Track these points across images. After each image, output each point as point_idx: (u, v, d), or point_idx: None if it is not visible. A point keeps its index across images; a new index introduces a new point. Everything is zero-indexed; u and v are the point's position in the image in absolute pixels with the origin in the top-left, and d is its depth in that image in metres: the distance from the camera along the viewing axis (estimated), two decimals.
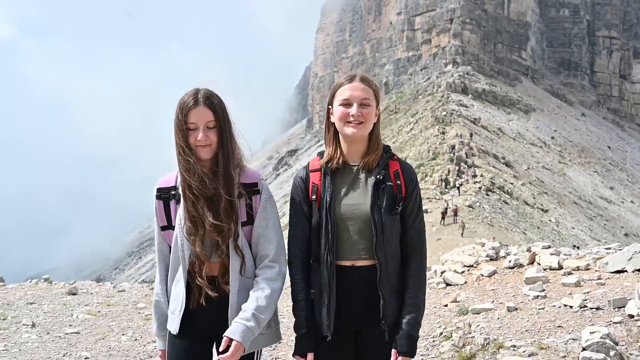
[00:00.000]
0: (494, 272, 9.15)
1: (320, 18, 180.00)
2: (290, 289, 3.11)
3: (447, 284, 9.32)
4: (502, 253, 10.24)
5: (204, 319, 2.97)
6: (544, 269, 8.59)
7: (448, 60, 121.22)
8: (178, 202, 3.01)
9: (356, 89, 2.95)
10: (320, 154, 3.10)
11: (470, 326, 6.57)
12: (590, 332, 5.41)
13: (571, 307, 6.64)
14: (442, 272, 9.93)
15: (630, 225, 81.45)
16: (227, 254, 2.93)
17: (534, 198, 68.92)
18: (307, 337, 2.97)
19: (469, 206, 50.36)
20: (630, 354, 5.10)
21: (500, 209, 55.23)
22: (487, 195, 57.32)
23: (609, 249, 9.85)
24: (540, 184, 79.64)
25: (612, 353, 5.05)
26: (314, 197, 2.99)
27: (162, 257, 3.12)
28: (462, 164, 66.33)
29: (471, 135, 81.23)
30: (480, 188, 58.07)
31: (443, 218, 43.58)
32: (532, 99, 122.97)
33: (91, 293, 14.02)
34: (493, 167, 72.19)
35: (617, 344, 5.31)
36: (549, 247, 9.85)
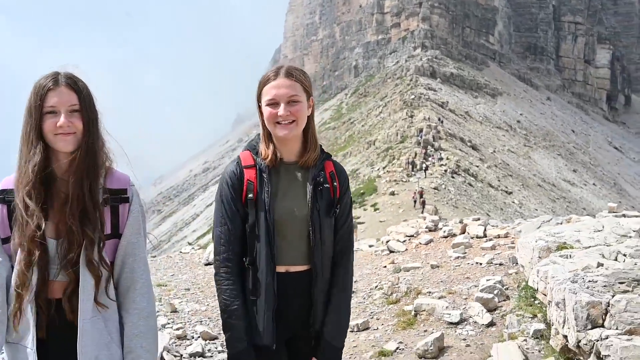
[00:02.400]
0: (430, 241, 10.63)
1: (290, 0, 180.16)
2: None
3: (391, 251, 10.77)
4: (440, 225, 11.75)
5: (55, 352, 2.45)
6: (471, 237, 10.08)
7: (417, 44, 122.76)
8: None
9: (281, 86, 2.69)
10: (250, 148, 2.85)
11: (398, 280, 8.05)
12: (487, 280, 6.90)
13: (480, 264, 8.13)
14: (387, 241, 11.40)
15: (592, 207, 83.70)
16: (77, 270, 2.40)
17: (498, 180, 70.77)
18: (249, 350, 2.69)
19: (434, 188, 51.91)
20: (513, 295, 6.58)
21: (465, 191, 56.85)
22: (453, 177, 58.84)
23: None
24: (506, 167, 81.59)
25: (496, 292, 6.56)
26: (250, 195, 2.72)
27: (1, 274, 2.46)
28: (429, 147, 67.90)
29: (441, 121, 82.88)
30: (446, 171, 59.54)
31: (415, 203, 44.78)
32: (499, 83, 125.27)
33: None
34: (459, 150, 73.88)
35: (506, 288, 6.79)
36: (478, 219, 11.41)
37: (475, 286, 7.08)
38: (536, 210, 66.94)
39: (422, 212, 43.52)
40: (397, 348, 5.98)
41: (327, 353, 2.81)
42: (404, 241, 11.08)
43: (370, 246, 12.35)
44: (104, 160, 2.52)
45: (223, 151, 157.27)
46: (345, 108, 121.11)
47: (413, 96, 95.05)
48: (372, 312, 7.26)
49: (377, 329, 6.68)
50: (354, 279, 8.98)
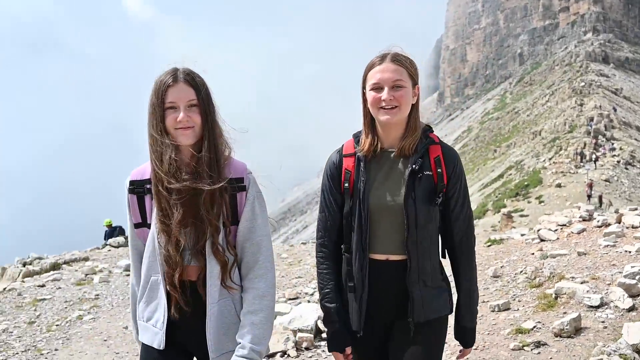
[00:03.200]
0: (583, 230, 10.53)
1: None
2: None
3: (542, 240, 10.81)
4: (595, 215, 11.54)
5: (183, 331, 2.67)
6: (626, 227, 9.88)
7: (588, 28, 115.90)
8: None
9: (386, 70, 2.70)
10: (356, 137, 2.90)
11: (542, 265, 8.23)
12: (632, 266, 6.91)
13: (629, 252, 8.07)
14: (539, 230, 11.44)
15: None
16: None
17: None
18: (342, 331, 2.82)
19: (605, 180, 49.31)
20: None
21: None
22: (627, 169, 55.53)
23: None
24: None
25: (638, 277, 6.59)
26: (346, 184, 2.80)
27: (138, 257, 2.77)
28: (599, 136, 64.41)
29: (614, 109, 78.12)
30: (618, 162, 56.33)
31: (589, 197, 42.73)
32: None
33: None
34: (635, 139, 69.28)
35: None
36: (636, 209, 11.07)
37: (620, 272, 7.12)
38: None
39: (587, 202, 41.38)
40: (534, 327, 6.27)
41: (464, 335, 2.95)
42: (556, 230, 11.07)
43: (522, 235, 12.42)
44: (223, 150, 2.65)
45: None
46: (510, 98, 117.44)
47: (583, 83, 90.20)
48: (514, 295, 7.56)
49: (518, 309, 6.99)
50: (501, 265, 9.27)
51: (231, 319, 2.64)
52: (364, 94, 2.82)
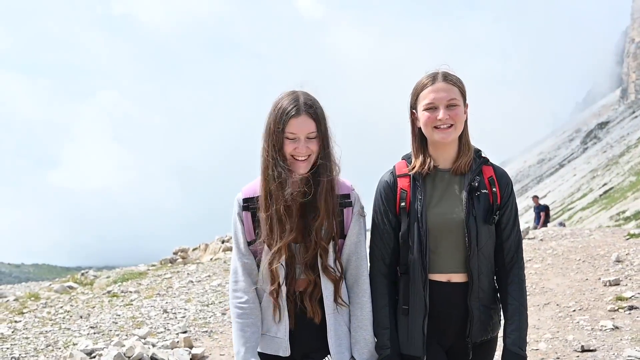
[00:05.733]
0: None
1: None
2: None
3: None
4: None
5: (296, 340, 2.80)
6: None
7: None
8: None
9: (440, 89, 2.73)
10: (406, 158, 2.91)
11: None
12: None
13: None
14: None
15: None
16: (317, 271, 2.74)
17: None
18: (393, 357, 2.77)
19: None
20: None
21: None
22: None
23: None
24: None
25: None
26: (402, 204, 2.79)
27: (249, 272, 2.82)
28: None
29: None
30: None
31: None
32: None
33: None
34: None
35: None
36: None
37: None
38: None
39: None
40: (633, 295, 7.67)
41: None
42: None
43: None
44: (335, 173, 2.75)
45: (559, 142, 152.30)
46: None
47: None
48: (627, 275, 8.88)
49: (626, 285, 8.36)
50: (626, 252, 10.46)
51: (343, 329, 2.80)
52: (412, 114, 2.88)
